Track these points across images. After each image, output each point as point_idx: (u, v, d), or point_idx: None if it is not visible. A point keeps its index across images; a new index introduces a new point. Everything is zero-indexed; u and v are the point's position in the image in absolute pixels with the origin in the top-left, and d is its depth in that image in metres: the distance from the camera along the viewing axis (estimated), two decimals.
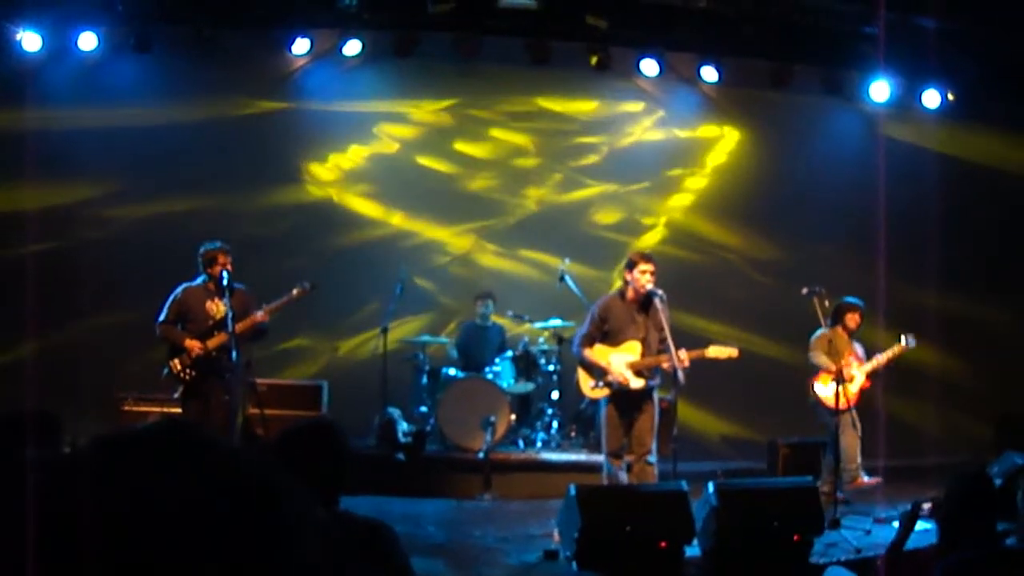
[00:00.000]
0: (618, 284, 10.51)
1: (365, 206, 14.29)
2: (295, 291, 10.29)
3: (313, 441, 4.33)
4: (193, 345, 9.95)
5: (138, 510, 1.27)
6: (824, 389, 10.84)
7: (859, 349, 11.26)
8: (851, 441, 10.84)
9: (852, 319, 11.13)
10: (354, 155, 14.25)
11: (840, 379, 10.34)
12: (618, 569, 8.09)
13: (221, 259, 10.02)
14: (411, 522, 9.83)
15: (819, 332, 10.91)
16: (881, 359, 11.10)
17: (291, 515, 1.37)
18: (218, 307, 10.05)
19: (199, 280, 10.18)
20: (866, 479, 10.81)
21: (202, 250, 10.14)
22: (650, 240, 14.22)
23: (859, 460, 10.85)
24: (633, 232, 14.48)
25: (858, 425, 10.88)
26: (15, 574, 1.27)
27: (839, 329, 11.04)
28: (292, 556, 1.36)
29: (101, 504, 1.27)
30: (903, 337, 11.03)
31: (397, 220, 14.32)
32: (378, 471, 11.50)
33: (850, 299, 11.22)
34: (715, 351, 9.75)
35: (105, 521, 1.25)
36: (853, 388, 10.85)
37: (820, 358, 10.86)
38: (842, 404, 10.42)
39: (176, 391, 10.12)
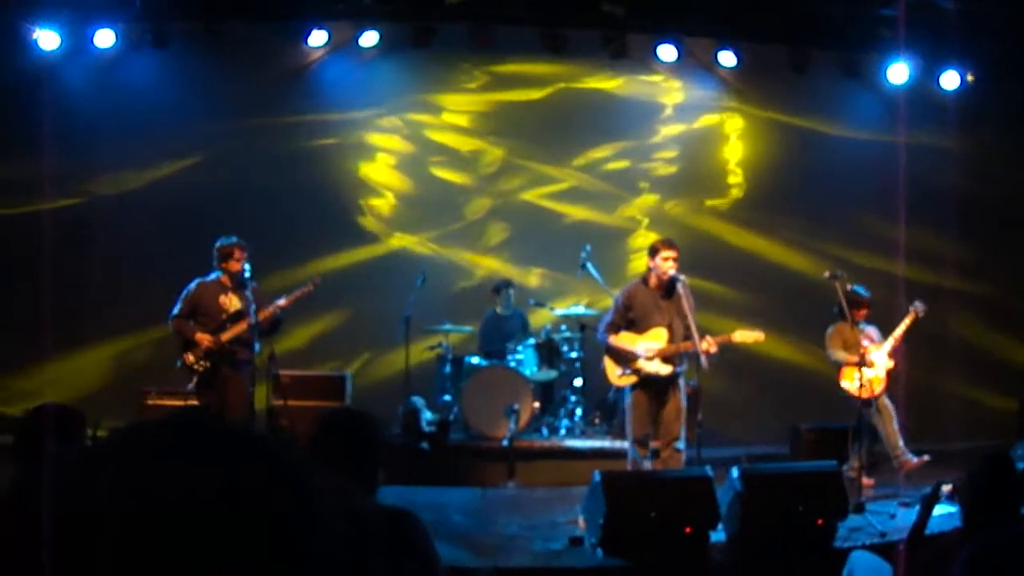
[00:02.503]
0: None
1: (383, 195, 14.32)
2: (310, 284, 10.61)
3: (348, 432, 4.32)
4: (203, 338, 10.20)
5: (160, 501, 1.27)
6: (850, 383, 10.75)
7: (874, 332, 11.18)
8: (888, 428, 10.82)
9: (859, 314, 11.01)
10: (372, 147, 14.28)
11: (862, 363, 10.30)
12: (643, 555, 8.11)
13: (237, 254, 10.27)
14: (436, 511, 9.84)
15: (831, 328, 10.98)
16: (897, 334, 11.00)
17: (317, 502, 1.38)
18: (231, 301, 10.30)
19: (212, 275, 10.42)
20: (914, 459, 10.75)
21: (218, 245, 10.35)
22: (667, 227, 14.16)
23: (901, 444, 10.84)
24: (650, 217, 14.46)
25: (891, 410, 10.85)
26: (35, 571, 1.28)
27: (847, 322, 10.85)
28: (318, 544, 1.37)
29: (121, 496, 1.28)
30: (913, 304, 10.98)
31: (414, 211, 14.37)
32: (402, 460, 11.55)
33: (856, 289, 11.08)
34: (741, 335, 9.77)
35: (125, 514, 1.27)
36: (880, 373, 10.80)
37: (838, 354, 10.92)
38: (868, 393, 10.38)
39: (191, 383, 10.29)
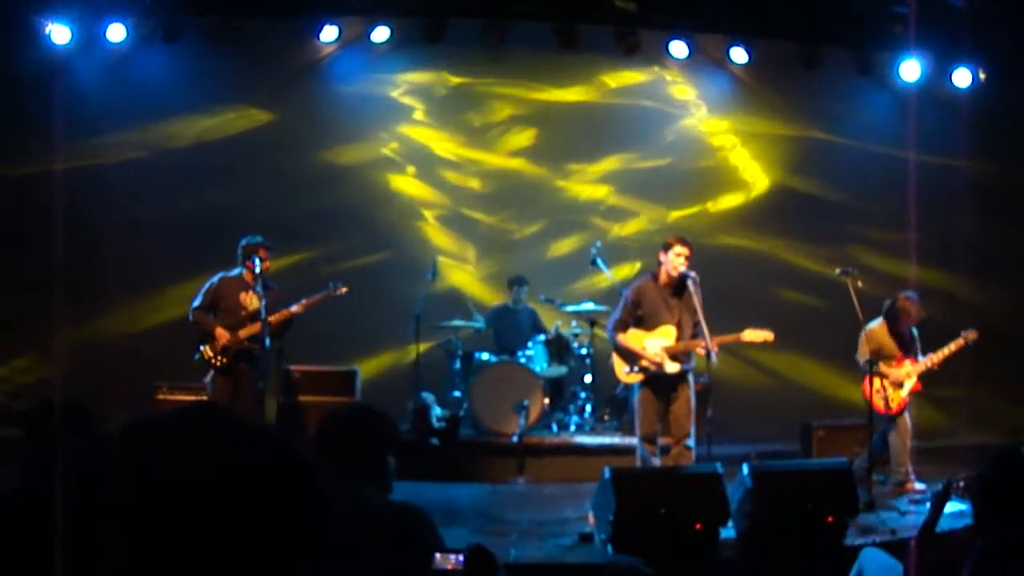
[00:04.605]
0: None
1: (397, 194, 14.33)
2: (331, 291, 10.72)
3: (357, 427, 4.25)
4: (223, 334, 10.33)
5: (167, 492, 1.27)
6: (869, 391, 10.40)
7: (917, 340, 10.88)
8: (898, 444, 10.66)
9: (906, 322, 10.68)
10: (384, 142, 14.28)
11: (871, 369, 10.17)
12: (653, 551, 8.09)
13: (261, 253, 10.39)
14: (445, 506, 9.86)
15: (870, 327, 10.60)
16: (937, 358, 10.70)
17: (326, 493, 1.38)
18: (251, 299, 10.36)
19: (235, 271, 10.55)
20: (917, 485, 10.54)
21: (244, 242, 10.48)
22: (680, 224, 14.14)
23: (909, 465, 10.66)
24: (661, 216, 14.44)
25: (909, 429, 10.68)
26: (48, 561, 1.28)
27: (891, 328, 10.68)
28: (326, 532, 1.36)
29: (131, 486, 1.27)
30: (964, 332, 10.67)
31: (426, 202, 14.37)
32: (412, 456, 11.54)
33: (908, 294, 10.75)
34: (750, 335, 9.72)
35: (133, 504, 1.26)
36: (902, 393, 10.63)
37: (865, 359, 10.47)
38: (888, 408, 10.31)
39: (207, 375, 10.39)
